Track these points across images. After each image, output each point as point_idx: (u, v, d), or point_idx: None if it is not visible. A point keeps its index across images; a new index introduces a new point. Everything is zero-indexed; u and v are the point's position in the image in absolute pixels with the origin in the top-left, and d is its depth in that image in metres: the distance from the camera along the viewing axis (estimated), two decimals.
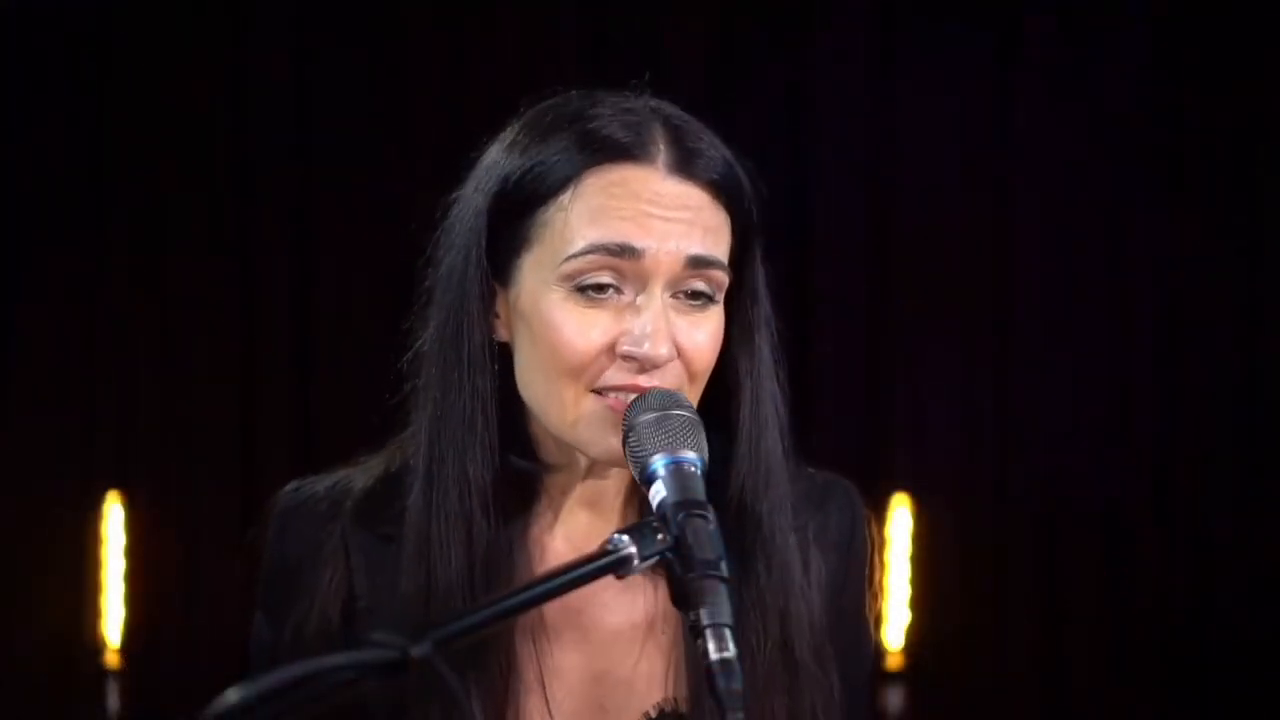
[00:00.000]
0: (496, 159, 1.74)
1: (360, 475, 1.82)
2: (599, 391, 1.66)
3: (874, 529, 1.90)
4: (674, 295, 1.68)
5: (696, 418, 1.62)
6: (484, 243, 1.72)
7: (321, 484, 1.82)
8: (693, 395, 1.69)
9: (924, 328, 4.95)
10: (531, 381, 1.71)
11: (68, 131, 4.88)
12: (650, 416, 1.60)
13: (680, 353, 1.67)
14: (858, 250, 4.97)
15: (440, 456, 1.73)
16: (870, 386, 4.97)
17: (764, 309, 1.78)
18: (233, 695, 1.30)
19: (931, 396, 4.96)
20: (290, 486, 1.84)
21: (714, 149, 1.72)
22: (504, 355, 1.74)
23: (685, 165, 1.69)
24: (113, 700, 4.81)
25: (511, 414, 1.74)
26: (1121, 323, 4.96)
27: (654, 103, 1.74)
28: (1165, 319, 4.96)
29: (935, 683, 4.87)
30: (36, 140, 4.87)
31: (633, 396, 1.65)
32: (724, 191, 1.71)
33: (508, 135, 1.76)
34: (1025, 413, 4.95)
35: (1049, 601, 4.96)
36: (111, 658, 4.81)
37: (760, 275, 1.77)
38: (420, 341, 1.78)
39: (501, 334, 1.74)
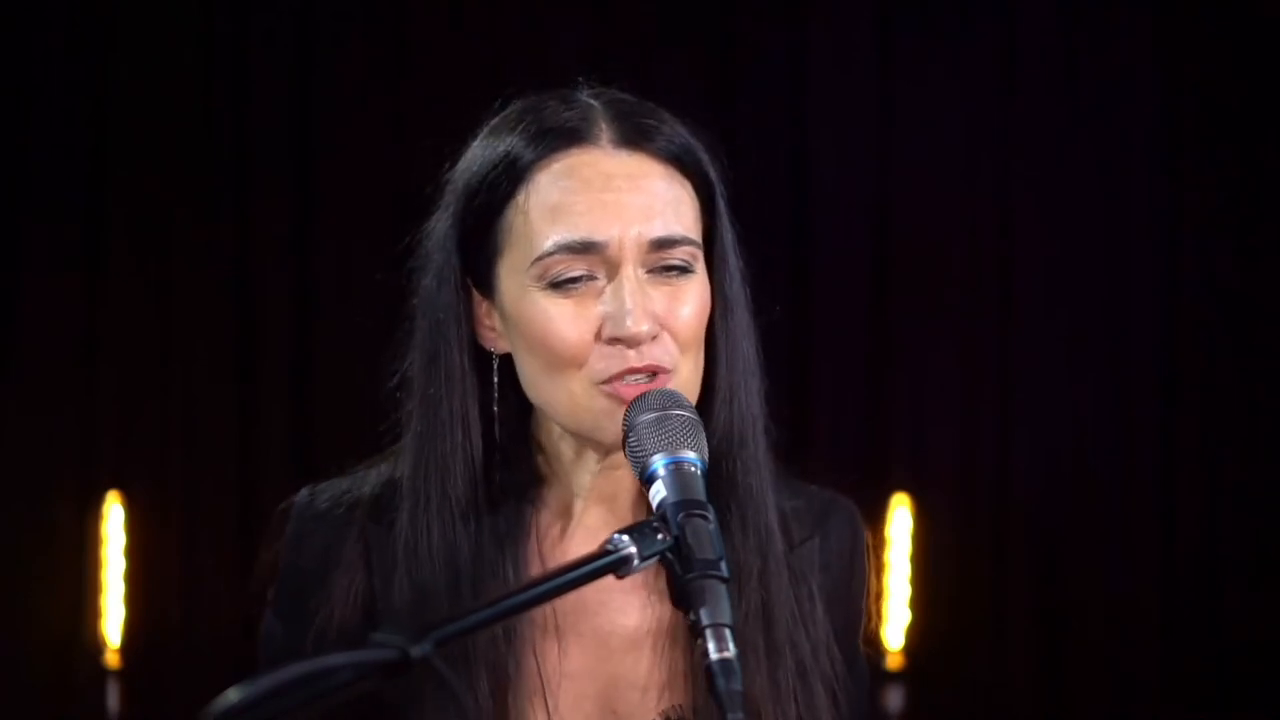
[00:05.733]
0: (458, 177, 1.76)
1: (372, 477, 1.82)
2: (603, 383, 1.67)
3: (873, 552, 1.89)
4: (649, 271, 1.68)
5: (696, 418, 1.62)
6: (455, 260, 1.74)
7: (335, 488, 1.82)
8: (691, 367, 1.70)
9: (924, 328, 4.95)
10: (536, 383, 1.71)
11: (67, 131, 4.88)
12: (650, 416, 1.60)
13: (666, 328, 1.68)
14: (858, 249, 4.97)
15: (425, 474, 1.74)
16: (870, 387, 4.97)
17: (735, 272, 1.78)
18: (233, 695, 1.30)
19: (931, 396, 4.96)
20: (304, 492, 1.84)
21: (663, 123, 1.72)
22: (506, 367, 1.74)
23: (631, 139, 1.70)
24: (113, 700, 4.81)
25: (516, 422, 1.75)
26: (1122, 322, 4.96)
27: (596, 91, 1.75)
28: (1166, 318, 4.96)
29: (935, 683, 4.87)
30: (35, 140, 4.87)
31: (638, 379, 1.66)
32: (679, 161, 1.71)
33: (466, 154, 1.77)
34: (1025, 413, 4.95)
35: (1048, 601, 4.96)
36: (111, 658, 4.80)
37: (730, 242, 1.77)
38: (407, 366, 1.79)
39: (500, 346, 1.75)
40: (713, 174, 1.75)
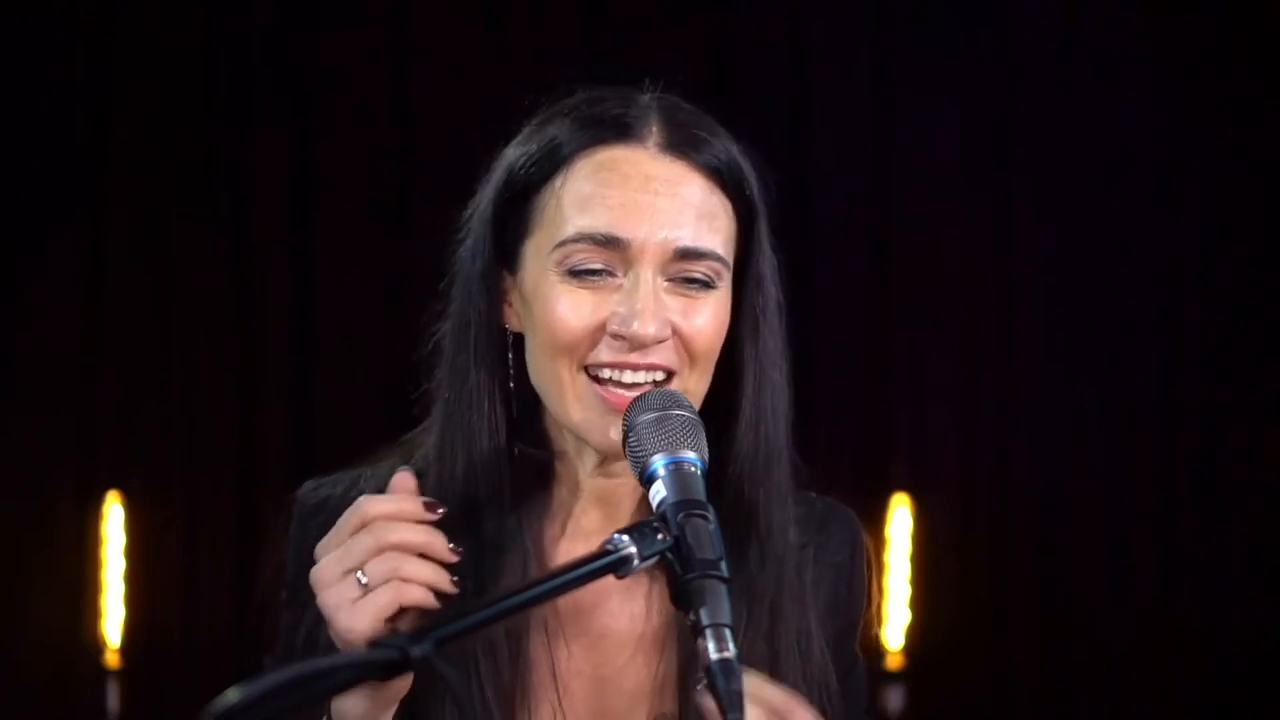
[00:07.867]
0: (506, 154, 1.77)
1: (376, 471, 1.82)
2: (593, 375, 1.67)
3: (873, 559, 1.89)
4: (670, 279, 1.68)
5: (696, 418, 1.61)
6: (491, 234, 1.74)
7: (339, 482, 1.83)
8: (697, 380, 1.70)
9: (924, 328, 4.95)
10: (536, 366, 1.72)
11: (67, 132, 4.88)
12: (650, 416, 1.60)
13: (678, 334, 1.67)
14: (858, 251, 4.97)
15: (450, 442, 1.74)
16: (870, 386, 4.97)
17: (771, 299, 1.77)
18: (233, 695, 1.30)
19: (931, 396, 4.96)
20: (309, 485, 1.84)
21: (713, 136, 1.72)
22: (519, 346, 1.75)
23: (677, 146, 1.69)
24: (113, 700, 4.81)
25: (528, 407, 1.75)
26: (1122, 324, 4.96)
27: (657, 96, 1.75)
28: (1166, 321, 4.96)
29: (935, 683, 4.87)
30: (35, 139, 4.87)
31: (628, 378, 1.66)
32: (722, 177, 1.71)
33: (521, 134, 1.77)
34: (1025, 413, 4.95)
35: (1048, 601, 4.96)
36: (111, 658, 4.81)
37: (767, 264, 1.76)
38: (440, 336, 1.80)
39: (514, 324, 1.75)
40: (756, 197, 1.74)
